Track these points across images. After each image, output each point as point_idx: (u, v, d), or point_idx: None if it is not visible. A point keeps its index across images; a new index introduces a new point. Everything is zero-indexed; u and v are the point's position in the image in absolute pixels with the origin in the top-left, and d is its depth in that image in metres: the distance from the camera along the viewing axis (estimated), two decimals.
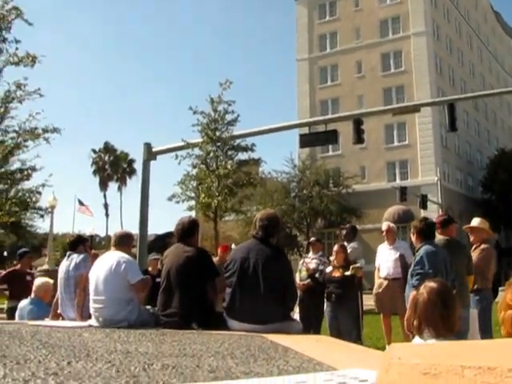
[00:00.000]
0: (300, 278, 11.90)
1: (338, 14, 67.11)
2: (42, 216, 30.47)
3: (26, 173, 23.86)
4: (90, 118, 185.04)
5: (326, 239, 50.78)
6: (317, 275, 11.60)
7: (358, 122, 22.42)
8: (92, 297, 7.57)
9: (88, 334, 5.87)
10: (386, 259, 11.53)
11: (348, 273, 10.69)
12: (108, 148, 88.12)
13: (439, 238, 8.53)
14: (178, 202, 26.98)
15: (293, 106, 68.86)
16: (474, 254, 8.95)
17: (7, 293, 12.36)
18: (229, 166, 26.50)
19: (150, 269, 12.37)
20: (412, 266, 7.50)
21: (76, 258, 9.03)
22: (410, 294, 6.54)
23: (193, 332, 6.26)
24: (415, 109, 25.73)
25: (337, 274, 10.77)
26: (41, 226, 74.52)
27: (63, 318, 8.98)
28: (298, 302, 10.66)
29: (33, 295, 9.97)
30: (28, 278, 12.01)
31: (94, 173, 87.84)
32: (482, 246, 9.23)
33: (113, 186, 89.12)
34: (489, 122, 77.61)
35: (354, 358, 4.36)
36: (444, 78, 64.58)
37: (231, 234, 47.22)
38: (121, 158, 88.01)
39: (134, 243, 9.64)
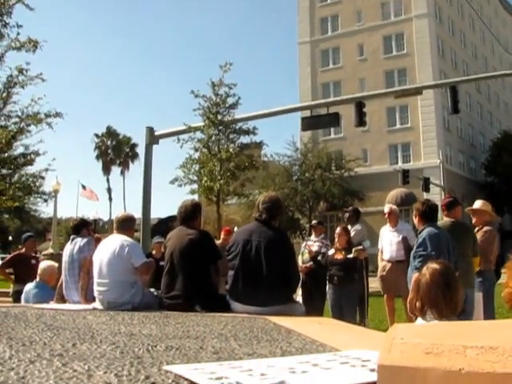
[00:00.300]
0: (302, 260, 11.91)
1: None
2: (45, 200, 30.70)
3: (29, 158, 23.97)
4: (92, 102, 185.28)
5: (328, 222, 50.76)
6: (319, 258, 11.61)
7: (359, 105, 22.39)
8: (96, 280, 7.59)
9: (92, 317, 5.90)
10: (389, 242, 11.53)
11: (350, 255, 10.70)
12: (110, 132, 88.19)
13: (445, 220, 8.55)
14: (180, 186, 26.97)
15: (295, 89, 68.50)
16: (477, 237, 8.96)
17: (13, 277, 12.47)
18: (231, 150, 26.45)
19: (153, 252, 12.40)
20: (414, 248, 7.51)
21: (80, 241, 9.05)
22: (413, 276, 6.53)
23: (196, 314, 6.28)
24: (417, 91, 25.69)
25: (339, 256, 10.77)
26: (45, 210, 75.07)
27: (68, 302, 9.02)
28: (300, 285, 10.71)
29: (38, 279, 10.00)
30: (33, 261, 12.05)
31: (97, 157, 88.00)
32: (485, 228, 9.24)
33: (116, 170, 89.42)
34: (491, 104, 77.37)
35: (356, 339, 4.38)
36: (446, 61, 64.33)
37: (234, 218, 47.20)
38: (123, 143, 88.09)
39: (136, 227, 9.66)
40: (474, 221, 9.51)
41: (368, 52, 63.25)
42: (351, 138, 58.36)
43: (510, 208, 62.02)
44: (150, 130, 24.30)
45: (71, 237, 9.38)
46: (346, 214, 13.42)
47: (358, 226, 12.68)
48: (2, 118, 22.66)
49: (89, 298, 8.35)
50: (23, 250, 12.89)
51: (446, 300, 4.36)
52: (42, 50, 21.71)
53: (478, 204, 9.68)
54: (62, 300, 9.20)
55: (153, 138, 24.28)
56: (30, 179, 24.58)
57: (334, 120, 23.26)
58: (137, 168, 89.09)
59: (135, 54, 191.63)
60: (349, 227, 12.20)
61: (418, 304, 4.56)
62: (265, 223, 6.89)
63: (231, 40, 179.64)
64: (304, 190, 50.42)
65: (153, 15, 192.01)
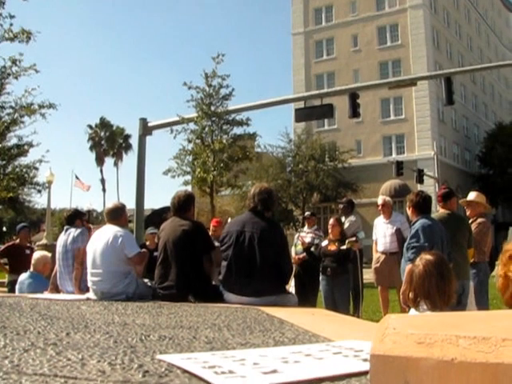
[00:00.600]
0: (295, 251, 11.91)
1: None
2: (39, 191, 30.72)
3: (22, 149, 23.95)
4: (85, 93, 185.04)
5: (321, 214, 50.92)
6: (312, 249, 11.61)
7: (353, 96, 22.37)
8: (90, 270, 7.61)
9: (86, 307, 5.90)
10: (383, 234, 11.54)
11: (344, 247, 10.70)
12: (104, 123, 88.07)
13: (442, 211, 8.54)
14: (173, 177, 27.04)
15: (288, 81, 68.51)
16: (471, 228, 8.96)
17: (7, 267, 12.54)
18: (224, 141, 26.53)
19: (147, 243, 12.41)
20: (407, 239, 7.51)
21: (73, 231, 9.06)
22: (406, 268, 6.54)
23: (189, 304, 6.29)
24: (412, 82, 25.65)
25: (332, 247, 10.76)
26: (39, 201, 74.93)
27: (62, 292, 9.03)
28: (293, 276, 10.72)
29: (31, 269, 10.01)
30: (27, 251, 12.12)
31: (91, 148, 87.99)
32: (479, 219, 9.25)
33: (109, 161, 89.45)
34: (486, 95, 77.39)
35: (349, 330, 4.39)
36: (441, 52, 64.30)
37: (228, 209, 47.26)
38: (117, 134, 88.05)
39: (130, 218, 9.67)
40: (468, 212, 9.51)
41: (362, 43, 63.16)
42: (345, 130, 58.36)
43: (504, 200, 62.16)
44: (144, 121, 24.29)
45: (65, 227, 9.40)
46: (341, 206, 13.42)
47: (352, 218, 12.68)
48: None
49: (82, 288, 8.38)
50: (18, 240, 12.94)
51: (440, 291, 4.37)
52: (36, 40, 21.70)
53: (472, 196, 9.69)
54: (56, 290, 9.22)
55: (146, 129, 24.27)
56: (24, 170, 24.56)
57: (327, 111, 23.26)
58: (130, 159, 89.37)
59: (129, 44, 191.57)
60: (343, 218, 12.21)
61: (411, 295, 4.57)
62: (258, 214, 6.90)
63: (225, 31, 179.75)
64: (297, 181, 50.50)
65: (146, 6, 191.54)
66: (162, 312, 5.39)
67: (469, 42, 74.49)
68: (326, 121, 55.54)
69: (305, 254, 11.71)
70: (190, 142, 27.17)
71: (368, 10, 63.57)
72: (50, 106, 22.38)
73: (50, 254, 10.39)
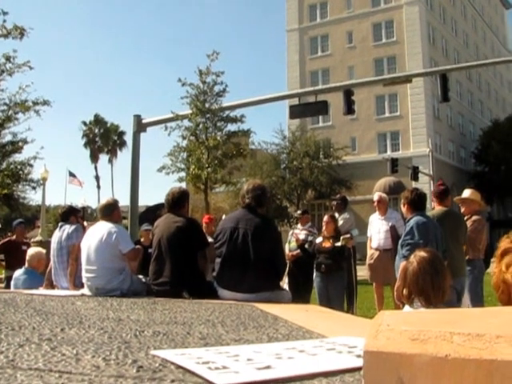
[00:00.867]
0: (289, 248, 11.92)
1: None
2: (34, 188, 30.77)
3: (17, 145, 23.97)
4: (80, 90, 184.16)
5: (316, 210, 50.96)
6: (306, 246, 11.61)
7: (348, 93, 22.36)
8: (84, 266, 7.61)
9: (81, 303, 5.91)
10: (377, 230, 11.54)
11: (338, 243, 10.69)
12: (98, 120, 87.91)
13: (439, 208, 8.53)
14: (168, 174, 27.02)
15: (283, 77, 68.33)
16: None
17: (4, 263, 12.58)
18: (218, 138, 26.51)
19: (142, 239, 12.39)
20: (402, 236, 7.50)
21: (68, 228, 9.08)
22: (400, 265, 6.54)
23: (184, 301, 6.29)
24: (407, 79, 25.63)
25: (327, 244, 10.75)
26: (33, 198, 74.86)
27: (56, 287, 9.04)
28: (287, 273, 10.72)
29: (26, 265, 10.01)
30: (24, 247, 12.14)
31: (85, 145, 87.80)
32: (474, 217, 9.23)
33: (104, 158, 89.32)
34: (482, 92, 77.32)
35: (343, 326, 4.40)
36: (437, 48, 64.24)
37: (222, 206, 47.21)
38: (111, 130, 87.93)
39: (124, 215, 9.66)
40: (462, 210, 9.50)
41: (357, 39, 63.05)
42: (340, 127, 58.30)
43: (499, 197, 62.20)
44: (138, 118, 24.26)
45: (60, 224, 9.41)
46: (334, 203, 13.40)
47: (345, 215, 12.68)
48: None
49: (77, 284, 8.39)
50: (14, 236, 12.99)
51: (434, 288, 4.37)
52: (29, 37, 21.66)
53: (467, 193, 9.68)
54: (51, 286, 9.24)
55: (140, 126, 24.24)
56: (19, 167, 24.60)
57: (322, 108, 23.24)
58: (125, 156, 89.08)
59: (124, 42, 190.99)
60: (336, 215, 12.20)
61: (405, 292, 4.57)
62: (251, 210, 6.90)
63: (219, 28, 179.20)
64: (292, 178, 50.47)
65: (141, 3, 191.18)
66: (156, 308, 5.39)
67: (465, 38, 74.37)
68: (320, 117, 55.50)
69: (299, 250, 11.71)
70: (184, 138, 27.16)
71: (363, 6, 63.42)
72: (45, 102, 22.47)
73: (44, 250, 10.41)
